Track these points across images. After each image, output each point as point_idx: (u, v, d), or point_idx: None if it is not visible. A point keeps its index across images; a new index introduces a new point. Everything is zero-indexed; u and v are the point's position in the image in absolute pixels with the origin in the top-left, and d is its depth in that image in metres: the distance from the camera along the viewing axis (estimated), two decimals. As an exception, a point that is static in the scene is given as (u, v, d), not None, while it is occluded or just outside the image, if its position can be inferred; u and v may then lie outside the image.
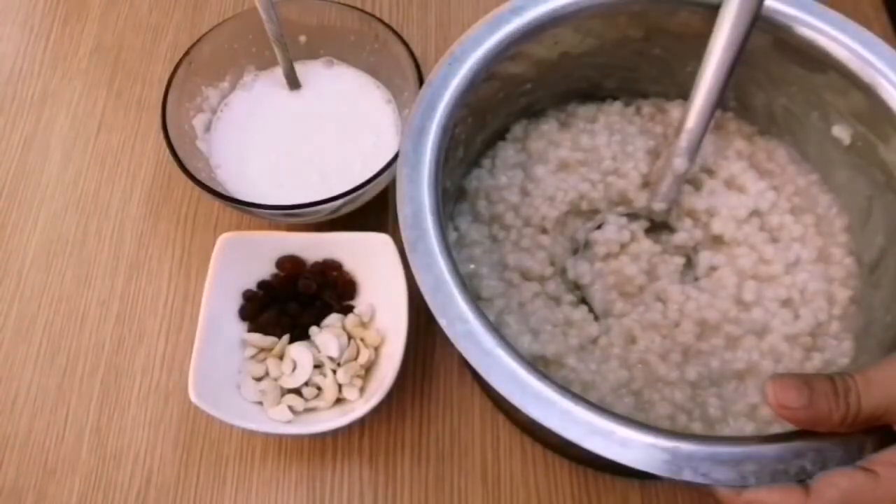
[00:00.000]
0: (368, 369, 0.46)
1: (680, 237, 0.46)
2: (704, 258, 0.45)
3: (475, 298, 0.36)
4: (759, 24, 0.41)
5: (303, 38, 0.55)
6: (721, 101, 0.42)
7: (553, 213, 0.46)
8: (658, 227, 0.46)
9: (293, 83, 0.55)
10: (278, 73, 0.54)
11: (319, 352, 0.46)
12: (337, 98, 0.55)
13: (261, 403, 0.44)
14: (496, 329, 0.35)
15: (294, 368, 0.45)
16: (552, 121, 0.50)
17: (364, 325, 0.47)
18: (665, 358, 0.42)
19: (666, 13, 0.44)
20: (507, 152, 0.48)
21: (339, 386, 0.45)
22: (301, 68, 0.55)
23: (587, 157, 0.47)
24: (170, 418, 0.48)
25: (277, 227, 0.52)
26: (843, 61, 0.41)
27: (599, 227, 0.46)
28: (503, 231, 0.46)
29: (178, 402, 0.48)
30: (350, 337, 0.46)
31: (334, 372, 0.45)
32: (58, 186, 0.56)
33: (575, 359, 0.42)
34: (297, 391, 0.45)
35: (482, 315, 0.35)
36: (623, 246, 0.45)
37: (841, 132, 0.44)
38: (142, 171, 0.57)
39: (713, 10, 0.41)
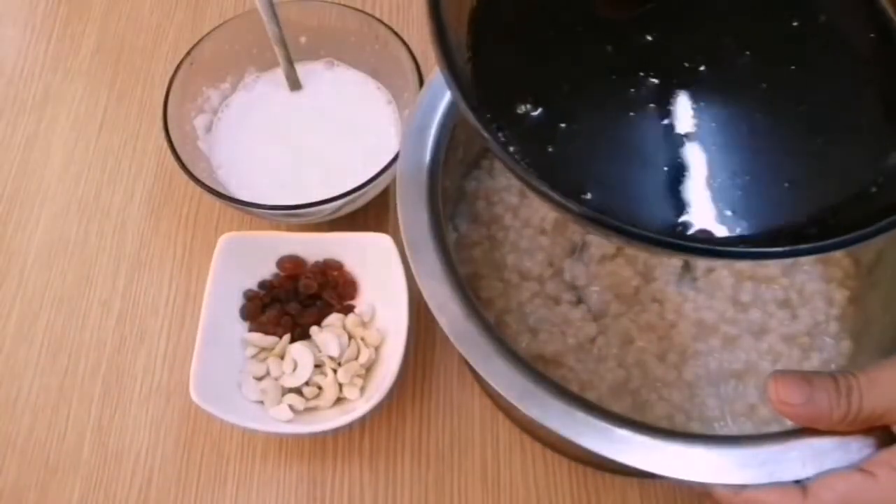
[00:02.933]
0: (369, 369, 0.46)
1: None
2: (702, 259, 0.45)
3: (475, 299, 0.36)
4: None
5: (303, 39, 0.55)
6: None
7: (552, 215, 0.46)
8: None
9: (294, 84, 0.55)
10: (279, 73, 0.55)
11: (320, 351, 0.46)
12: (337, 99, 0.55)
13: (262, 403, 0.45)
14: (495, 329, 0.35)
15: (295, 368, 0.45)
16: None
17: (364, 324, 0.47)
18: (662, 358, 0.42)
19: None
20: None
21: (340, 385, 0.45)
22: (302, 69, 0.55)
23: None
24: (171, 418, 0.48)
25: (278, 228, 0.52)
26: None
27: (596, 228, 0.46)
28: (502, 232, 0.46)
29: (180, 401, 0.48)
30: (350, 336, 0.46)
31: (335, 371, 0.45)
32: (59, 187, 0.56)
33: (573, 358, 0.42)
34: (297, 390, 0.45)
35: (481, 315, 0.35)
36: (619, 248, 0.45)
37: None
38: (143, 171, 0.57)
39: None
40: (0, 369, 0.50)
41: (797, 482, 0.30)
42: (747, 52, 0.30)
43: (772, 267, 0.44)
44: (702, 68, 0.29)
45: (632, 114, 0.29)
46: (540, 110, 0.29)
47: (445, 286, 0.35)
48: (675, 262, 0.45)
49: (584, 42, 0.30)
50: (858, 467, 0.29)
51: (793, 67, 0.30)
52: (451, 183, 0.45)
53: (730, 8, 0.31)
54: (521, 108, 0.29)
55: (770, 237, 0.26)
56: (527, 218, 0.46)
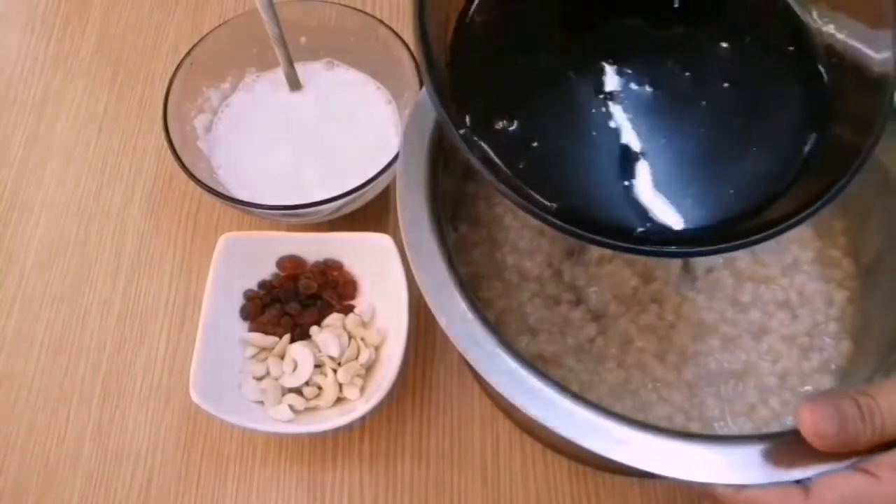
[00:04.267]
0: (369, 369, 0.46)
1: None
2: (701, 260, 0.45)
3: (475, 298, 0.36)
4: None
5: (303, 40, 0.55)
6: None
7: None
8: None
9: (294, 84, 0.55)
10: (279, 73, 0.55)
11: (320, 351, 0.46)
12: (337, 99, 0.55)
13: (262, 403, 0.45)
14: (495, 329, 0.35)
15: (295, 368, 0.45)
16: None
17: (364, 324, 0.47)
18: (662, 359, 0.42)
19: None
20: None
21: (340, 385, 0.45)
22: (302, 69, 0.55)
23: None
24: (171, 418, 0.48)
25: (278, 228, 0.52)
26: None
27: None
28: (502, 232, 0.46)
29: (180, 401, 0.48)
30: (350, 337, 0.46)
31: (335, 371, 0.45)
32: (59, 187, 0.56)
33: (573, 359, 0.42)
34: (297, 391, 0.45)
35: (482, 315, 0.35)
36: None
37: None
38: (143, 171, 0.57)
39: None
40: (0, 369, 0.50)
41: (798, 482, 0.30)
42: (687, 74, 0.34)
43: (771, 267, 0.44)
44: (649, 90, 0.34)
45: (594, 133, 0.33)
46: (515, 125, 0.33)
47: (445, 286, 0.35)
48: (674, 262, 0.45)
49: (546, 68, 0.34)
50: (860, 468, 0.29)
51: (726, 84, 0.34)
52: (451, 183, 0.45)
53: (670, 35, 0.35)
54: (499, 125, 0.33)
55: (718, 233, 0.31)
56: (527, 219, 0.46)
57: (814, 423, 0.29)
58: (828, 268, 0.44)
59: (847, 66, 0.33)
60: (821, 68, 0.34)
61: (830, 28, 0.34)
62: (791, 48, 0.35)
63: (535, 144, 0.33)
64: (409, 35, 0.53)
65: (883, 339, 0.40)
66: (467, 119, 0.33)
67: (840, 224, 0.45)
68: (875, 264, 0.43)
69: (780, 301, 0.43)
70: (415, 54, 0.33)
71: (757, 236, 0.30)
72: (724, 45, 0.34)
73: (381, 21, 0.52)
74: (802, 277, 0.44)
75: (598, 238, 0.30)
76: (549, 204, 0.32)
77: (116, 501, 0.46)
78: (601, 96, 0.33)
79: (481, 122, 0.33)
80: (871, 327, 0.42)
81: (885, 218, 0.42)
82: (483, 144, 0.32)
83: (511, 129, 0.33)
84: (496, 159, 0.32)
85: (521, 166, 0.32)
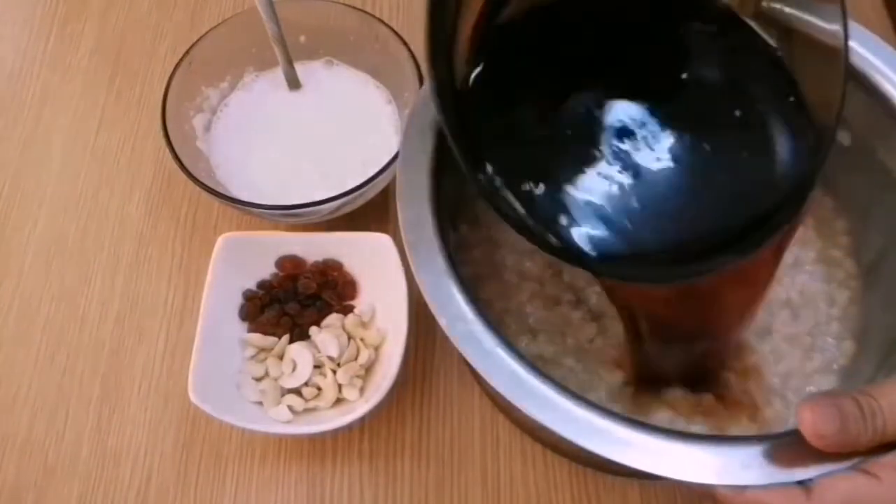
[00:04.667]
0: (368, 369, 0.46)
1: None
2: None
3: (475, 299, 0.36)
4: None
5: (303, 39, 0.55)
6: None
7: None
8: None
9: (293, 83, 0.55)
10: (278, 73, 0.54)
11: (319, 352, 0.46)
12: (337, 98, 0.55)
13: (261, 403, 0.44)
14: (496, 329, 0.35)
15: (294, 368, 0.45)
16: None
17: (364, 325, 0.47)
18: (663, 359, 0.42)
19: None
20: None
21: (339, 386, 0.45)
22: (301, 68, 0.55)
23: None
24: (169, 418, 0.48)
25: (277, 227, 0.52)
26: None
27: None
28: (502, 233, 0.46)
29: (178, 402, 0.48)
30: (350, 337, 0.46)
31: (334, 372, 0.45)
32: (58, 186, 0.56)
33: (573, 359, 0.42)
34: (297, 391, 0.45)
35: (482, 315, 0.35)
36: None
37: (841, 134, 0.44)
38: (142, 170, 0.57)
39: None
40: (-2, 369, 0.50)
41: (800, 483, 0.30)
42: (706, 146, 0.35)
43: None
44: (666, 161, 0.34)
45: (602, 168, 0.34)
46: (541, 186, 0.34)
47: (445, 286, 0.35)
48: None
49: (561, 129, 0.35)
50: (861, 469, 0.29)
51: (746, 154, 0.35)
52: (451, 183, 0.45)
53: (685, 98, 0.35)
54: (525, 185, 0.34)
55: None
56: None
57: (814, 423, 0.29)
58: (830, 268, 0.44)
59: (801, 41, 0.34)
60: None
61: (778, 4, 0.35)
62: (792, 99, 0.35)
63: (543, 184, 0.33)
64: (410, 35, 0.53)
65: (885, 339, 0.40)
66: (488, 168, 0.33)
67: (842, 224, 0.45)
68: (877, 264, 0.43)
69: (782, 301, 0.43)
70: (437, 116, 0.35)
71: (758, 246, 0.33)
72: (737, 113, 0.35)
73: (381, 20, 0.52)
74: (804, 277, 0.44)
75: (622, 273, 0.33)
76: (555, 242, 0.33)
77: (115, 501, 0.46)
78: (619, 169, 0.34)
79: (500, 169, 0.33)
80: (872, 327, 0.42)
81: (887, 218, 0.42)
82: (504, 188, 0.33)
83: (533, 188, 0.34)
84: (515, 202, 0.33)
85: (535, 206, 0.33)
